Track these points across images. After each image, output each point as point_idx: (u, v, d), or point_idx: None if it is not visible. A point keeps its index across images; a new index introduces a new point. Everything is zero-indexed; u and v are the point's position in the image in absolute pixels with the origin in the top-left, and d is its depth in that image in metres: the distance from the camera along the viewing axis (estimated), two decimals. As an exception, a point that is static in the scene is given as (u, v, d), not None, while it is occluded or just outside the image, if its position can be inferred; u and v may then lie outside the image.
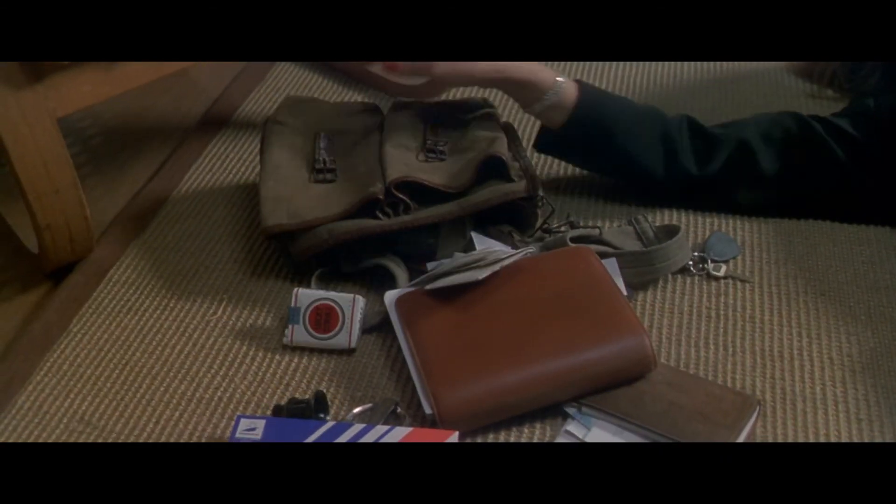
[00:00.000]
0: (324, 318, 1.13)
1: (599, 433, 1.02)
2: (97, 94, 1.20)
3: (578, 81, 1.27)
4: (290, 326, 1.14)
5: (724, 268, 1.23)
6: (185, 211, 1.39)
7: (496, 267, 1.10)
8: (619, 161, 1.29)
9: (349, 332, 1.13)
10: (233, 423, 1.06)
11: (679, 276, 1.23)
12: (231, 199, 1.41)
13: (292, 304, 1.14)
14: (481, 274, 1.09)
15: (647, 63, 1.70)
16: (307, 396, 1.07)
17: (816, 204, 1.30)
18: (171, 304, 1.23)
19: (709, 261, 1.24)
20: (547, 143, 1.32)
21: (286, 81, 1.69)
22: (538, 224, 1.26)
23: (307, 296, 1.14)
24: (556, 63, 1.70)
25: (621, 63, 1.70)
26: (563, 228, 1.26)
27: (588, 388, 1.04)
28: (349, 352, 1.14)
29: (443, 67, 1.21)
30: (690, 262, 1.23)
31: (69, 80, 1.17)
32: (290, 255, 1.22)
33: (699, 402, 1.03)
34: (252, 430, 1.00)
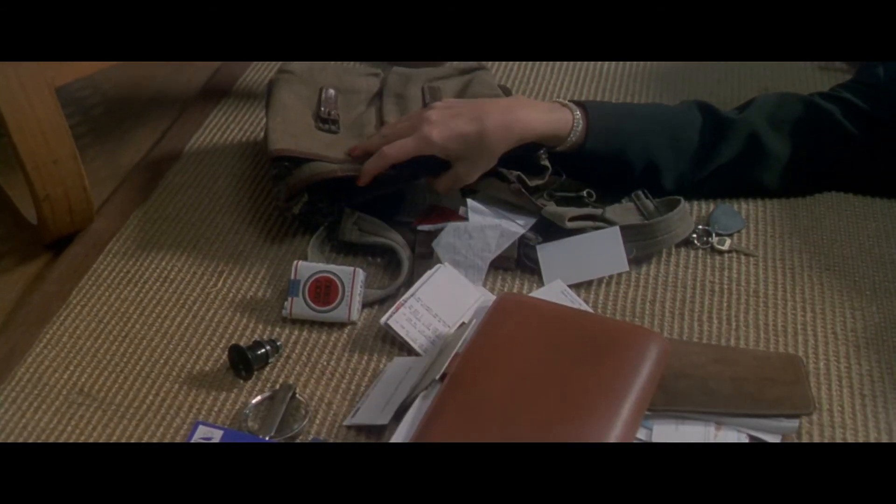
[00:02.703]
0: (323, 291, 1.12)
1: (663, 430, 0.99)
2: (96, 63, 1.19)
3: (583, 107, 1.22)
4: (289, 299, 1.13)
5: (728, 241, 1.22)
6: (186, 182, 1.38)
7: (449, 358, 1.03)
8: (635, 173, 1.24)
9: (349, 305, 1.12)
10: (234, 395, 1.06)
11: (683, 249, 1.22)
12: (232, 170, 1.40)
13: (292, 277, 1.13)
14: (436, 374, 1.02)
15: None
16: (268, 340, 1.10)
17: (832, 181, 1.28)
18: (172, 276, 1.22)
19: (713, 234, 1.23)
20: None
21: (288, 51, 1.67)
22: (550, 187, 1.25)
23: (307, 268, 1.13)
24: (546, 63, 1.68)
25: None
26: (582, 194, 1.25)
27: (638, 412, 0.97)
28: (350, 324, 1.14)
29: (469, 174, 1.18)
30: (694, 235, 1.22)
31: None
32: (283, 194, 1.21)
33: (755, 369, 1.03)
34: (209, 439, 0.99)
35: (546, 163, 1.21)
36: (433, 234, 1.18)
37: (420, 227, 1.20)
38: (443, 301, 1.12)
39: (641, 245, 1.18)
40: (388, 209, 1.23)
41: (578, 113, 1.20)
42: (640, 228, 1.18)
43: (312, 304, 1.12)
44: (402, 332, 1.09)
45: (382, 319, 1.09)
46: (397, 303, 1.11)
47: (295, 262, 1.14)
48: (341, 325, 1.14)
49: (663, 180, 1.24)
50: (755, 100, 1.28)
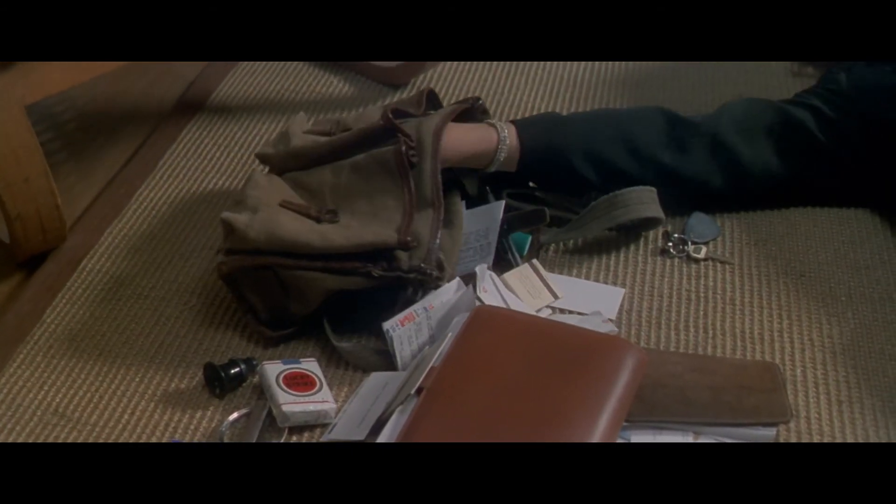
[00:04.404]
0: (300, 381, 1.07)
1: (641, 440, 1.00)
2: (67, 80, 1.18)
3: (514, 123, 1.24)
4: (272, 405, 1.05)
5: (704, 250, 1.22)
6: (160, 197, 1.37)
7: (425, 371, 1.02)
8: (588, 176, 1.24)
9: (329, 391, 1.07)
10: (209, 413, 1.05)
11: (659, 258, 1.22)
12: (207, 185, 1.39)
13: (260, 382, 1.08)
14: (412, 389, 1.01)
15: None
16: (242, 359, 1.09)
17: (800, 190, 1.28)
18: (146, 293, 1.22)
19: (689, 242, 1.23)
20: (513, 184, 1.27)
21: (261, 64, 1.66)
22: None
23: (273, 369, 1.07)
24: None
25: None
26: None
27: (615, 422, 0.97)
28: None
29: None
30: (670, 244, 1.23)
31: (38, 67, 1.15)
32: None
33: (733, 378, 1.03)
34: None
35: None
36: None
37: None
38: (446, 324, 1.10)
39: (612, 216, 1.21)
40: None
41: (507, 131, 1.21)
42: (611, 199, 1.21)
43: (296, 392, 1.05)
44: (397, 348, 1.08)
45: (386, 325, 1.07)
46: (407, 313, 1.09)
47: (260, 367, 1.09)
48: (315, 344, 1.13)
49: (628, 177, 1.24)
50: (723, 107, 1.29)
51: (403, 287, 1.10)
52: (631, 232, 1.25)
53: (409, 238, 1.08)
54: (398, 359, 1.08)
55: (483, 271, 1.13)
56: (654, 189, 1.22)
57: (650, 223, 1.24)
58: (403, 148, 1.13)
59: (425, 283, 1.09)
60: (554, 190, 1.27)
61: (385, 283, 1.08)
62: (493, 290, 1.13)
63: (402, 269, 1.07)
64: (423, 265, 1.07)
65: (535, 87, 1.57)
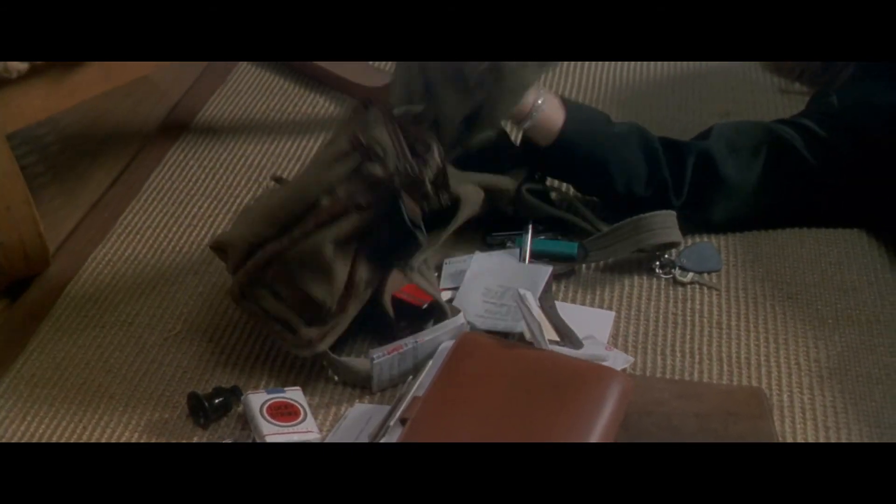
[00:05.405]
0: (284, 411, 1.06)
1: None
2: (48, 107, 1.18)
3: (564, 102, 1.22)
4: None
5: (690, 273, 1.22)
6: (144, 221, 1.36)
7: (407, 401, 1.02)
8: (603, 182, 1.24)
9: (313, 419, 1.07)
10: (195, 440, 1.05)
11: (645, 279, 1.22)
12: (192, 208, 1.38)
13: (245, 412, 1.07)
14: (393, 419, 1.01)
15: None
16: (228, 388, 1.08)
17: (789, 211, 1.27)
18: (131, 320, 1.21)
19: (676, 266, 1.22)
20: (531, 159, 1.27)
21: (247, 84, 1.66)
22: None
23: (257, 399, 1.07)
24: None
25: (586, 61, 1.68)
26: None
27: None
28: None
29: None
30: (657, 264, 1.22)
31: (19, 95, 1.15)
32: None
33: (719, 404, 1.03)
34: None
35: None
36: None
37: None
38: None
39: (633, 242, 1.20)
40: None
41: (548, 98, 1.20)
42: (635, 223, 1.20)
43: (279, 423, 1.05)
44: (376, 373, 1.07)
45: (373, 353, 1.07)
46: (396, 345, 1.08)
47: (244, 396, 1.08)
48: (299, 371, 1.13)
49: (628, 197, 1.24)
50: (713, 128, 1.28)
51: (411, 232, 1.05)
52: (649, 253, 1.24)
53: (361, 140, 1.04)
54: (375, 381, 1.08)
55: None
56: (674, 213, 1.21)
57: (669, 245, 1.23)
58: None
59: (419, 189, 1.05)
60: (575, 182, 1.29)
61: (380, 207, 1.04)
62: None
63: (381, 177, 1.04)
64: (406, 167, 1.04)
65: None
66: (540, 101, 1.19)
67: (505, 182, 1.22)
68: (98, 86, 1.21)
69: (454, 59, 1.11)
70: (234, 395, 1.08)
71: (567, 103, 1.23)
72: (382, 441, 0.98)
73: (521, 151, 1.26)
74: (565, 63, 1.67)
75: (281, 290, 1.08)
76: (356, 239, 1.06)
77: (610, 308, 1.18)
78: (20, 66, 1.10)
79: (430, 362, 1.05)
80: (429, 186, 1.06)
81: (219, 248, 1.12)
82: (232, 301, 1.12)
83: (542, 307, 1.10)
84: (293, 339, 1.08)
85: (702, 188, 1.24)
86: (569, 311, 1.16)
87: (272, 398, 1.06)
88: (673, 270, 1.22)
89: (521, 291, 1.07)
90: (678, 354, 1.13)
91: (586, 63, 1.67)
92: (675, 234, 1.21)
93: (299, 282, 1.06)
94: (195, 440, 1.05)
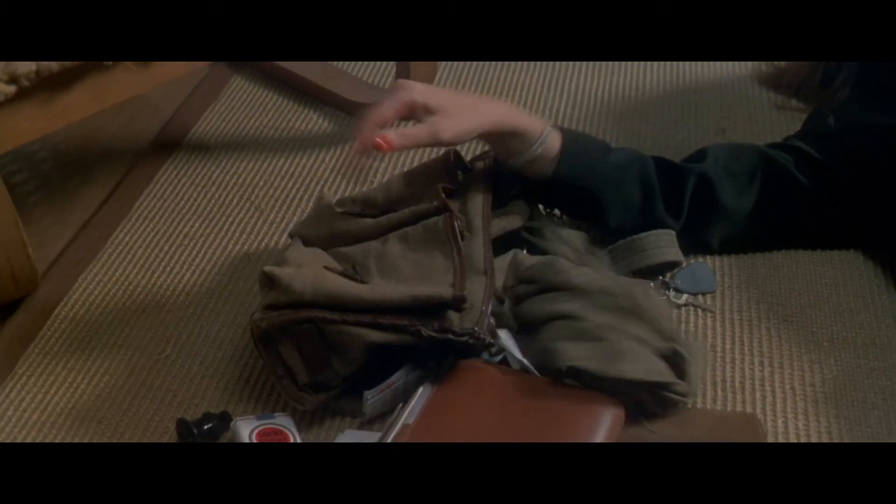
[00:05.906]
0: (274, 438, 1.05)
1: None
2: (36, 130, 1.16)
3: (562, 130, 1.20)
4: None
5: (684, 295, 1.21)
6: (135, 241, 1.35)
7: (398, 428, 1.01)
8: (595, 215, 1.23)
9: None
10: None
11: (640, 302, 1.21)
12: (183, 227, 1.37)
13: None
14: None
15: (609, 73, 1.67)
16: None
17: (785, 234, 1.26)
18: (120, 342, 1.20)
19: (670, 288, 1.21)
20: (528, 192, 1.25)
21: (240, 100, 1.65)
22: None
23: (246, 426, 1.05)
24: (535, 64, 1.67)
25: (582, 74, 1.67)
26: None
27: None
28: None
29: (450, 133, 1.11)
30: (651, 284, 1.21)
31: (7, 118, 1.13)
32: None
33: (712, 431, 1.02)
34: None
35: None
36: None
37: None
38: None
39: (631, 261, 1.20)
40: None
41: (551, 127, 1.18)
42: (629, 244, 1.20)
43: None
44: (368, 411, 1.06)
45: (367, 393, 1.05)
46: (389, 381, 1.06)
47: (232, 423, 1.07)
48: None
49: (623, 225, 1.23)
50: (708, 150, 1.26)
51: (444, 351, 1.06)
52: (650, 276, 1.22)
53: (464, 294, 1.03)
54: (367, 415, 1.07)
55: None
56: (672, 231, 1.21)
57: (669, 265, 1.22)
58: (456, 223, 1.10)
59: (476, 347, 1.05)
60: (567, 213, 1.27)
61: (431, 343, 1.03)
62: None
63: (453, 330, 1.02)
64: (475, 329, 1.03)
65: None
66: (548, 128, 1.18)
67: (514, 222, 1.21)
68: (89, 107, 1.20)
69: (454, 59, 1.10)
70: (223, 420, 1.07)
71: (564, 135, 1.19)
72: None
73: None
74: (560, 77, 1.66)
75: (304, 346, 1.05)
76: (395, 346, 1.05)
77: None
78: (7, 90, 1.09)
79: (420, 389, 1.04)
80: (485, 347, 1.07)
81: (271, 279, 1.08)
82: (252, 335, 1.08)
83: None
84: (294, 393, 1.06)
85: (699, 212, 1.23)
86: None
87: (262, 424, 1.05)
88: (667, 292, 1.21)
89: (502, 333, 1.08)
90: (672, 379, 1.12)
91: (581, 77, 1.66)
92: (670, 252, 1.20)
93: (327, 350, 1.05)
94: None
